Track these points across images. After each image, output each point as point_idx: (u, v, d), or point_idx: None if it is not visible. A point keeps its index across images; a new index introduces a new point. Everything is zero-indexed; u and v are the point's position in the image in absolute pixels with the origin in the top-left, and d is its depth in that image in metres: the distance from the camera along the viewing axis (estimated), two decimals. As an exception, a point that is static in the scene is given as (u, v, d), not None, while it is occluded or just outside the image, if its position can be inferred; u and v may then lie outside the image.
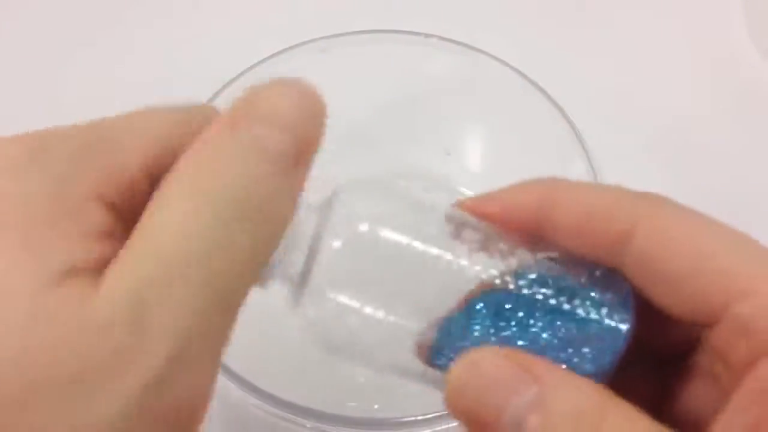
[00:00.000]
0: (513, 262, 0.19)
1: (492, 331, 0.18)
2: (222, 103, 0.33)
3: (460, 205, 0.19)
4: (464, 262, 0.19)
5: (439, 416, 0.27)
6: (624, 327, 0.18)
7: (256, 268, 0.15)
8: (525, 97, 0.35)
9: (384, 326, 0.19)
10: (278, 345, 0.36)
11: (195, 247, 0.14)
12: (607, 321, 0.18)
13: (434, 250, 0.19)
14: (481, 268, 0.18)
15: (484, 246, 0.19)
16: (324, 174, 0.19)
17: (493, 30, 0.45)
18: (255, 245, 0.15)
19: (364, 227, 0.19)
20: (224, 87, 0.35)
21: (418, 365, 0.19)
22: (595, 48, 0.49)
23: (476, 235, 0.19)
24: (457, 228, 0.19)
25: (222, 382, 0.28)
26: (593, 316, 0.18)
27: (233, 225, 0.14)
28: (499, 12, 0.50)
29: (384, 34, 0.36)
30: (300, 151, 0.16)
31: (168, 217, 0.15)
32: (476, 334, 0.18)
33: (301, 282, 0.19)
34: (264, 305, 0.38)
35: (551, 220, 0.18)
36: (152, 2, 0.51)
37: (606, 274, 0.19)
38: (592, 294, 0.18)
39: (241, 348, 0.35)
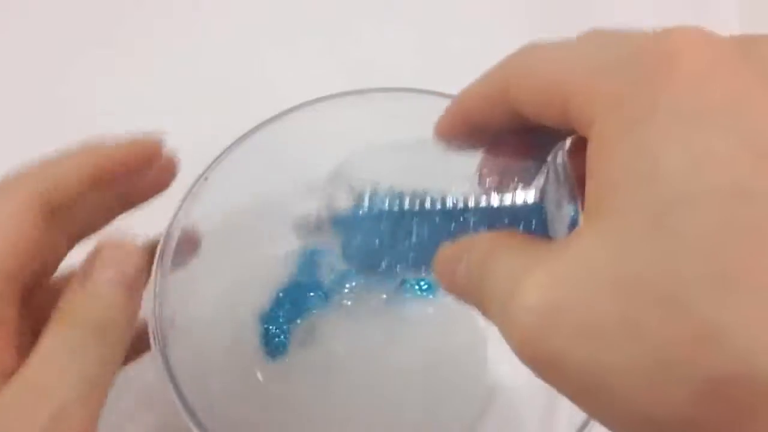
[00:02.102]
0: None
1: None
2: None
3: (436, 133, 0.22)
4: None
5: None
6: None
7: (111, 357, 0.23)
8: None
9: None
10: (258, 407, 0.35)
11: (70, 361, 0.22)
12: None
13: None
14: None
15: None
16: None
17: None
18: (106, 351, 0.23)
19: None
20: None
21: None
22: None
23: None
24: None
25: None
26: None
27: (95, 342, 0.22)
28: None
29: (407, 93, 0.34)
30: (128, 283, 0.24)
31: (52, 346, 0.22)
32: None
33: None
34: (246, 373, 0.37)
35: (511, 106, 0.19)
36: (153, 5, 0.52)
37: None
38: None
39: (221, 409, 0.34)
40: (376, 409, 0.35)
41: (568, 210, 0.21)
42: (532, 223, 0.21)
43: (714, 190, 0.14)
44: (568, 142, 0.21)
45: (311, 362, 0.36)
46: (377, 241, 0.23)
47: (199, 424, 0.26)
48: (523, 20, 0.51)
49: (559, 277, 0.15)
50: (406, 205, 0.22)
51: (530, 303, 0.16)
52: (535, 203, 0.21)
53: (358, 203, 0.23)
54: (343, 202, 0.24)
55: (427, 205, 0.22)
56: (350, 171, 0.24)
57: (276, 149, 0.33)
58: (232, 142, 0.32)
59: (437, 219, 0.22)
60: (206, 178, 0.31)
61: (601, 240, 0.15)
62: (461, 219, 0.22)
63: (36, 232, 0.23)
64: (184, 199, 0.30)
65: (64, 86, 0.48)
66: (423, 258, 0.22)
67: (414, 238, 0.22)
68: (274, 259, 0.37)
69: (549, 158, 0.20)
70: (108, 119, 0.47)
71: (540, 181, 0.20)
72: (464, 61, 0.48)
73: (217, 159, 0.31)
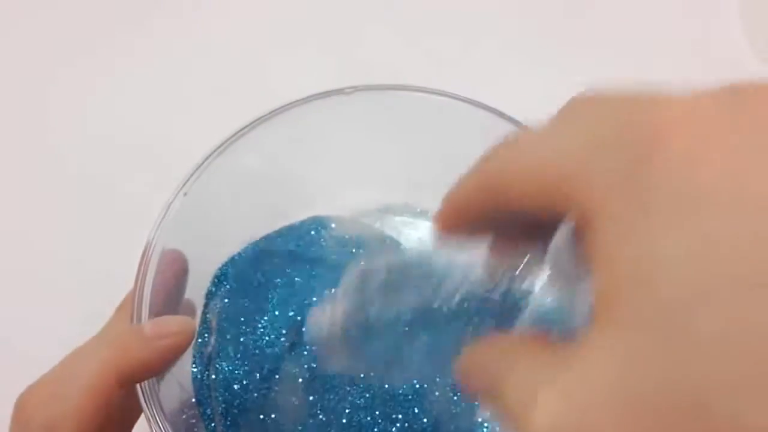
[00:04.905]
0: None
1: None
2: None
3: (436, 231, 0.21)
4: None
5: None
6: None
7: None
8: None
9: None
10: None
11: None
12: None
13: None
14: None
15: None
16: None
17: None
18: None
19: None
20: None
21: None
22: (592, 58, 0.49)
23: None
24: None
25: None
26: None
27: None
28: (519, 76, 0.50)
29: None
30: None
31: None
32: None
33: None
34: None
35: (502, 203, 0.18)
36: (153, 5, 0.52)
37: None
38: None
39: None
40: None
41: (582, 292, 0.19)
42: (546, 313, 0.20)
43: (724, 284, 0.13)
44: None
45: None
46: (391, 347, 0.23)
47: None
48: (520, 19, 0.51)
49: (572, 398, 0.14)
50: (415, 309, 0.22)
51: (544, 428, 0.15)
52: (545, 290, 0.20)
53: (369, 312, 0.22)
54: (354, 312, 0.23)
55: (436, 305, 0.21)
56: (356, 280, 0.23)
57: (266, 151, 0.33)
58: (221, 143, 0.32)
59: (449, 320, 0.21)
60: (185, 194, 0.31)
61: (611, 353, 0.14)
62: (473, 317, 0.21)
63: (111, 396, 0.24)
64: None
65: (64, 86, 0.48)
66: (438, 361, 0.22)
67: (426, 343, 0.22)
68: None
69: (553, 241, 0.19)
70: (108, 119, 0.47)
71: (549, 266, 0.19)
72: (464, 60, 0.49)
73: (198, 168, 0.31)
